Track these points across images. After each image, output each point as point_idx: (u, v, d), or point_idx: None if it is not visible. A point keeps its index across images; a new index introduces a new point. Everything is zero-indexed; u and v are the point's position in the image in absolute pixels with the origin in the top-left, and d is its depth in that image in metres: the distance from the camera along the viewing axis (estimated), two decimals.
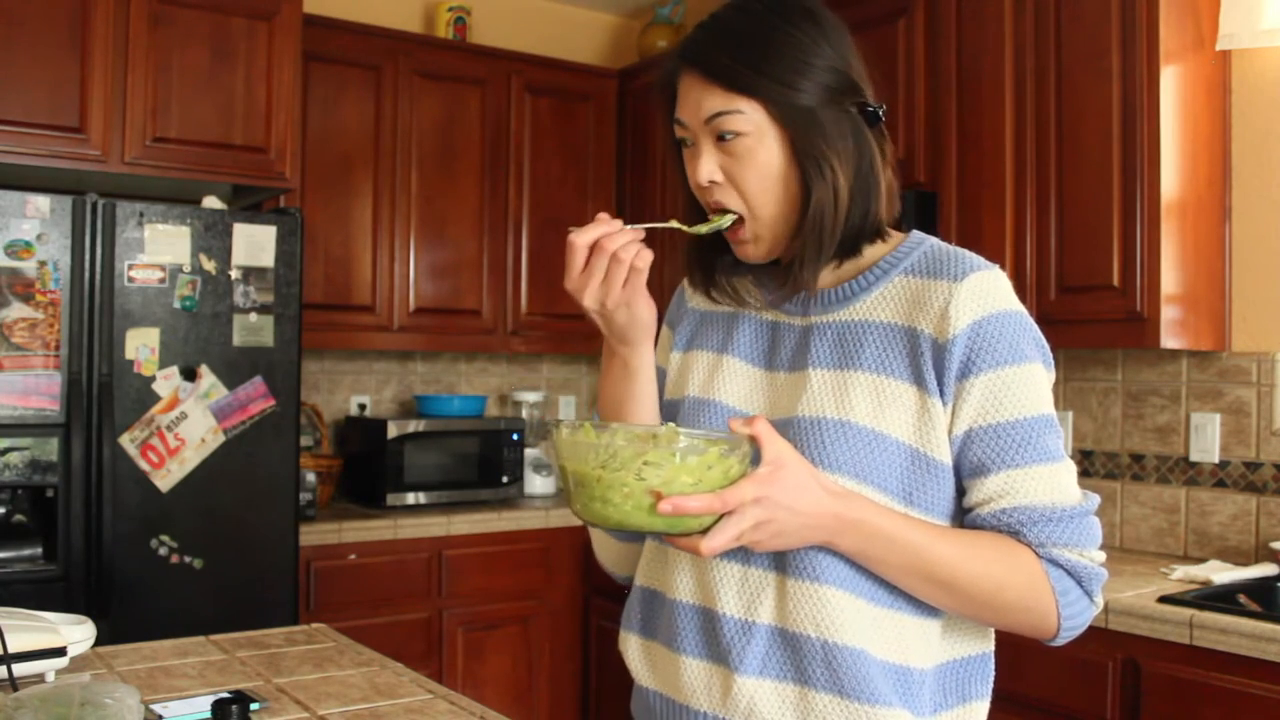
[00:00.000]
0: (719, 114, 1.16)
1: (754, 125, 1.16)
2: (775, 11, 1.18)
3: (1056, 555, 1.12)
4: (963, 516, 1.19)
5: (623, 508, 1.02)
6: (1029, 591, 1.12)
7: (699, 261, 1.31)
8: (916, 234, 1.24)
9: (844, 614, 1.13)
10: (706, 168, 1.19)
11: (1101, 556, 1.16)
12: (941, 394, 1.14)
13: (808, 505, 1.05)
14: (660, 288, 2.15)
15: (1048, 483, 1.13)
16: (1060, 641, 1.16)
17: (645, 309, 1.18)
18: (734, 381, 1.27)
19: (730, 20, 1.19)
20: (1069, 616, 1.14)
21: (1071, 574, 1.13)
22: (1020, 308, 1.17)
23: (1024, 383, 1.14)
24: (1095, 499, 1.17)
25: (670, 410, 1.33)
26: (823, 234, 1.18)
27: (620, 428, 1.09)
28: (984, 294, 1.15)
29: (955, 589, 1.12)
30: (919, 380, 1.15)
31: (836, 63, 1.18)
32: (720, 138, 1.17)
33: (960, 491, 1.18)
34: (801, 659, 1.15)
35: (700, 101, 1.18)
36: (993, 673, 1.24)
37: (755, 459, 1.05)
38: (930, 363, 1.15)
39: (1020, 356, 1.14)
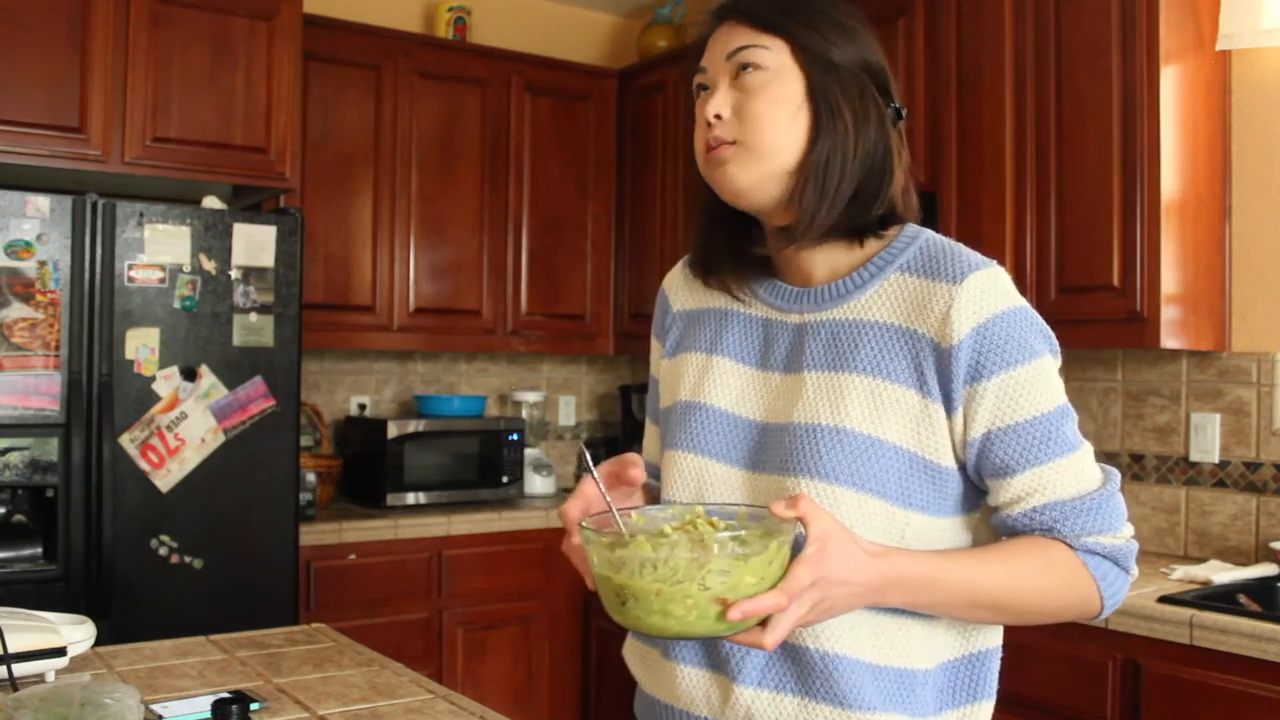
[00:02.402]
0: (743, 47, 1.18)
1: (775, 62, 1.17)
2: None
3: (1092, 545, 1.14)
4: (990, 515, 1.19)
5: (685, 619, 0.97)
6: (1072, 587, 1.14)
7: (706, 244, 1.30)
8: (911, 227, 1.22)
9: (843, 623, 1.13)
10: (718, 101, 1.19)
11: (1130, 530, 1.17)
12: (947, 399, 1.14)
13: (855, 575, 1.03)
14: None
15: (1072, 474, 1.14)
16: (1104, 617, 1.19)
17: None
18: (725, 382, 1.25)
19: None
20: (1110, 595, 1.16)
21: (1108, 557, 1.15)
22: (1022, 302, 1.17)
23: (1036, 379, 1.14)
24: (1116, 476, 1.18)
25: (664, 417, 1.32)
26: (827, 183, 1.16)
27: (678, 537, 1.01)
28: (985, 295, 1.14)
29: (1004, 608, 1.13)
30: (921, 385, 1.14)
31: (865, 37, 1.21)
32: (742, 69, 1.18)
33: (978, 490, 1.18)
34: (801, 670, 1.15)
35: (728, 41, 1.19)
36: (998, 669, 1.24)
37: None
38: (933, 368, 1.14)
39: (1029, 353, 1.14)
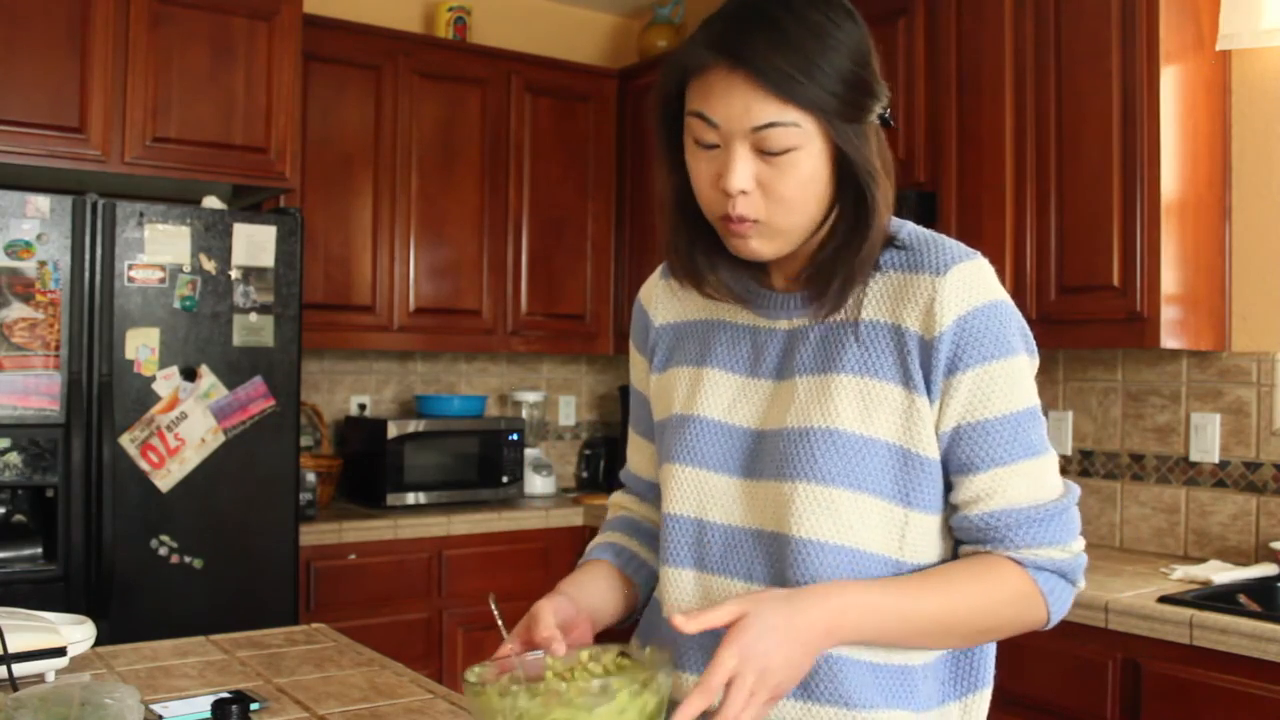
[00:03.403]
0: (772, 125, 1.07)
1: (805, 139, 1.08)
2: (817, 7, 1.09)
3: (1041, 560, 1.14)
4: (950, 514, 1.19)
5: None
6: (1019, 602, 1.14)
7: (685, 247, 1.23)
8: (892, 221, 1.19)
9: None
10: (743, 176, 1.09)
11: (1081, 544, 1.18)
12: (928, 391, 1.14)
13: (783, 621, 1.03)
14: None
15: (1033, 479, 1.14)
16: (1049, 628, 1.19)
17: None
18: (716, 393, 1.24)
19: (775, 16, 1.08)
20: (1056, 607, 1.17)
21: (1056, 572, 1.15)
22: (1004, 296, 1.16)
23: (1010, 376, 1.13)
24: (1076, 490, 1.18)
25: (659, 432, 1.31)
26: (873, 256, 1.14)
27: (518, 689, 1.05)
28: (968, 287, 1.13)
29: (953, 629, 1.13)
30: (906, 380, 1.14)
31: (874, 66, 1.13)
32: (767, 144, 1.08)
33: (946, 486, 1.18)
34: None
35: (749, 108, 1.07)
36: (994, 656, 1.24)
37: (667, 682, 1.07)
38: (918, 361, 1.14)
39: (1007, 349, 1.13)
